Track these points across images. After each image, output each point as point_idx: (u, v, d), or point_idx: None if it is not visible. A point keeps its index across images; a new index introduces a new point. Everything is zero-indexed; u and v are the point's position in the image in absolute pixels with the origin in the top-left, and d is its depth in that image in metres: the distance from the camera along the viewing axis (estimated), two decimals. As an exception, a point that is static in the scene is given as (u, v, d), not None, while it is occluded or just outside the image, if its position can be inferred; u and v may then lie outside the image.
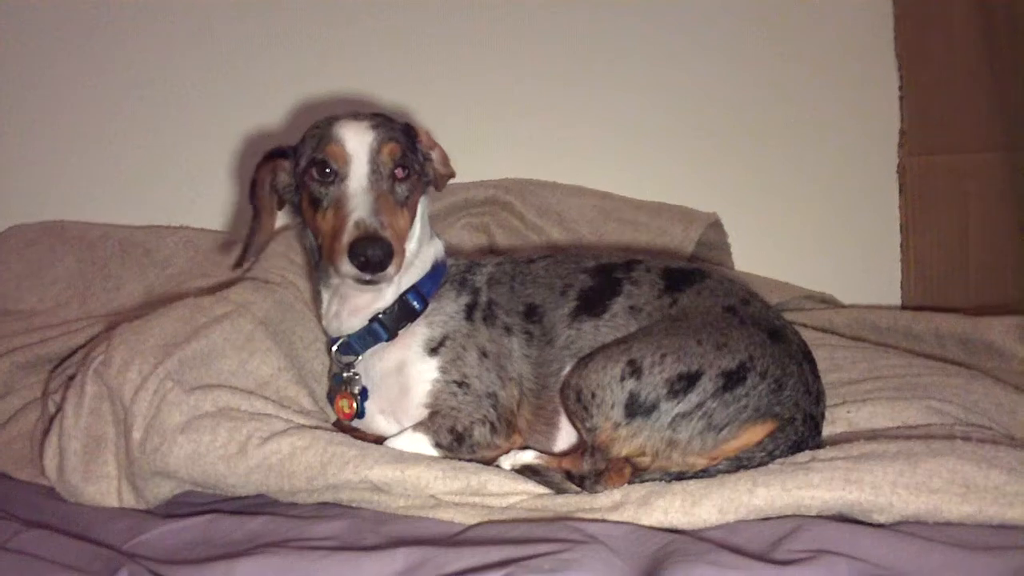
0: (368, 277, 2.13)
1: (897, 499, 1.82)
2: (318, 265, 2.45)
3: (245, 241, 2.42)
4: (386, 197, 2.23)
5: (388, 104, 3.38)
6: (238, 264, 2.45)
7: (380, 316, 2.37)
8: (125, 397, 2.22)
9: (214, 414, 2.19)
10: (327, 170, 2.24)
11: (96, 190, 3.46)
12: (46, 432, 2.35)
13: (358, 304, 2.39)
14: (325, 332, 2.52)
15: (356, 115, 2.33)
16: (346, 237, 2.12)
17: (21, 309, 3.14)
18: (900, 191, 3.84)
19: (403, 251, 2.24)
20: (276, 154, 2.39)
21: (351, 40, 3.56)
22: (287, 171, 2.38)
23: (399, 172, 2.27)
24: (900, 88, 3.82)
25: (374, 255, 2.09)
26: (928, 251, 3.84)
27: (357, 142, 2.24)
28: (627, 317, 2.30)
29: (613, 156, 3.72)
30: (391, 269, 2.14)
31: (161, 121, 3.49)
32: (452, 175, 2.50)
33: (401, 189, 2.28)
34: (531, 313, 2.40)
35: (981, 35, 3.77)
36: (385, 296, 2.37)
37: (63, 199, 3.43)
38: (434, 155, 2.45)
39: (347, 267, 2.12)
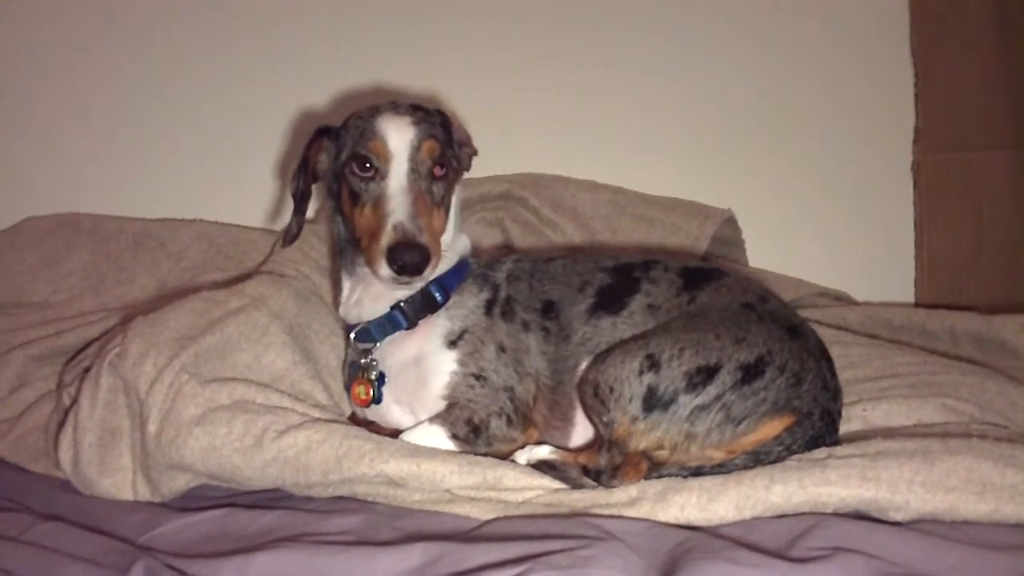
0: (405, 280, 2.17)
1: (914, 497, 1.82)
2: (343, 252, 2.47)
3: (294, 220, 2.44)
4: (424, 197, 2.25)
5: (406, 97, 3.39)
6: (288, 243, 2.48)
7: (402, 304, 2.37)
8: (140, 390, 2.23)
9: (230, 407, 2.20)
10: (368, 165, 2.26)
11: (111, 182, 3.47)
12: (61, 424, 2.36)
13: (380, 291, 2.38)
14: (342, 319, 2.52)
15: (396, 107, 2.34)
16: (384, 240, 2.15)
17: (35, 301, 3.15)
18: (914, 188, 3.83)
19: (439, 251, 2.25)
20: (323, 132, 2.40)
21: (368, 33, 3.56)
22: (328, 154, 2.40)
23: (437, 170, 2.30)
24: (915, 85, 3.80)
25: (411, 260, 2.12)
26: (942, 248, 3.83)
27: (399, 139, 2.26)
28: (645, 315, 2.31)
29: (627, 151, 3.71)
30: (427, 271, 2.17)
31: (176, 113, 3.50)
32: (475, 153, 2.52)
33: (438, 188, 2.31)
34: (548, 310, 2.40)
35: (996, 32, 3.77)
36: (411, 285, 2.36)
37: (77, 191, 3.44)
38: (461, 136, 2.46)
39: (384, 270, 2.15)
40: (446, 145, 2.34)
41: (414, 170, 2.25)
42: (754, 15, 3.75)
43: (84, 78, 3.45)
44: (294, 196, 2.42)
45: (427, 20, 3.58)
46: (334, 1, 3.54)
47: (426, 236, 2.17)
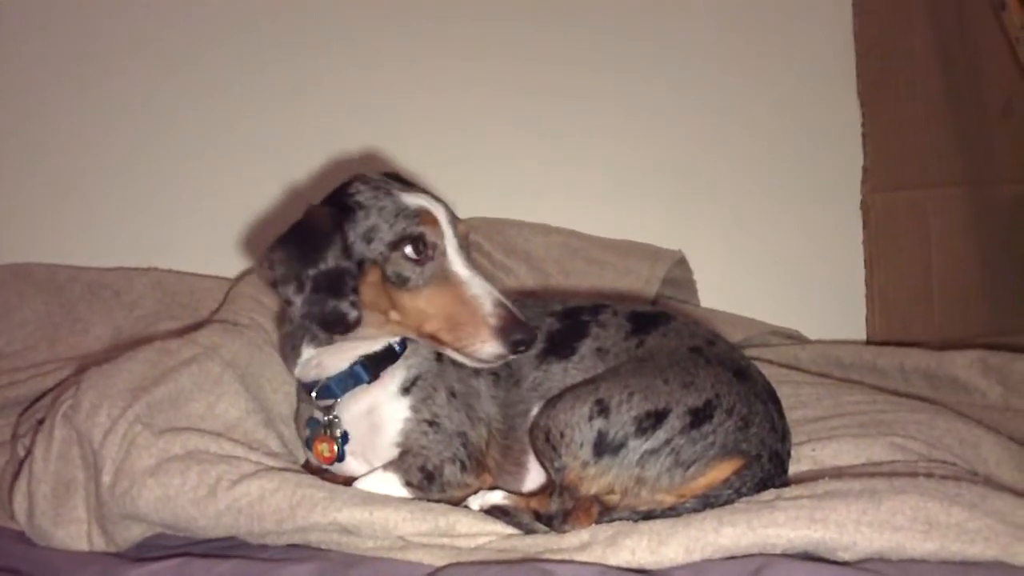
0: (511, 357, 2.17)
1: (861, 537, 1.83)
2: (300, 324, 2.37)
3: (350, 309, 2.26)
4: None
5: (355, 145, 3.41)
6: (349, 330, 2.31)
7: (365, 359, 2.35)
8: (95, 441, 2.21)
9: (183, 457, 2.19)
10: (422, 245, 2.20)
11: (64, 232, 3.46)
12: (15, 476, 2.34)
13: (344, 348, 2.35)
14: (297, 379, 2.48)
15: (402, 183, 2.34)
16: (493, 321, 2.12)
17: (-11, 352, 3.13)
18: (864, 227, 3.88)
19: None
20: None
21: (325, 82, 3.59)
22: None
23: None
24: (862, 126, 3.86)
25: (530, 337, 2.13)
26: (892, 286, 3.88)
27: (441, 215, 2.25)
28: (595, 359, 2.32)
29: (577, 194, 3.74)
30: None
31: (130, 162, 3.50)
32: None
33: None
34: None
35: (941, 73, 3.83)
36: (379, 341, 2.35)
37: (30, 242, 3.42)
38: None
39: (495, 350, 2.12)
40: None
41: (462, 246, 2.24)
42: (703, 58, 3.80)
43: (36, 125, 3.44)
44: (317, 279, 2.20)
45: (380, 65, 3.60)
46: (292, 58, 3.56)
47: None
